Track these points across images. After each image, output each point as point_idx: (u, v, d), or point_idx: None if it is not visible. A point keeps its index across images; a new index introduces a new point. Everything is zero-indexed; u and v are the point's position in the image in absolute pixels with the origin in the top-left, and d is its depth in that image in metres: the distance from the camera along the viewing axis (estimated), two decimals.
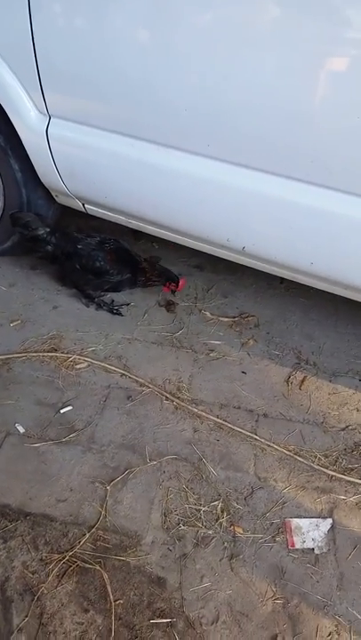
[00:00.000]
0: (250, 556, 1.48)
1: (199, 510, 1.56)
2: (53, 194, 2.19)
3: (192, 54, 1.51)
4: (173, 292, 2.24)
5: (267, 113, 1.48)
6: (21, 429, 1.74)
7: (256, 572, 1.45)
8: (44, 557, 1.43)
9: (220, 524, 1.54)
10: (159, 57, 1.55)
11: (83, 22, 1.65)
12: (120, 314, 2.25)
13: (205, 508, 1.57)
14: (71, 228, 2.22)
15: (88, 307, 2.26)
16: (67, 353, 2.03)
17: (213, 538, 1.51)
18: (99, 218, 2.23)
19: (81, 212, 2.24)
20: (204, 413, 1.85)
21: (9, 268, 2.45)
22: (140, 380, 1.95)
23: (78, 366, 1.99)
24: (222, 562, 1.47)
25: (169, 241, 2.12)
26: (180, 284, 2.17)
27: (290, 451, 1.75)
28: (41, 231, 2.14)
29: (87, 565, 1.42)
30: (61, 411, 1.81)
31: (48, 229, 2.15)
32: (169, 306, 2.30)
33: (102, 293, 2.26)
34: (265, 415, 1.87)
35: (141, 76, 1.62)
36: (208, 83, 1.53)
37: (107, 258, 2.14)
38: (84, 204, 2.15)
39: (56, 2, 1.64)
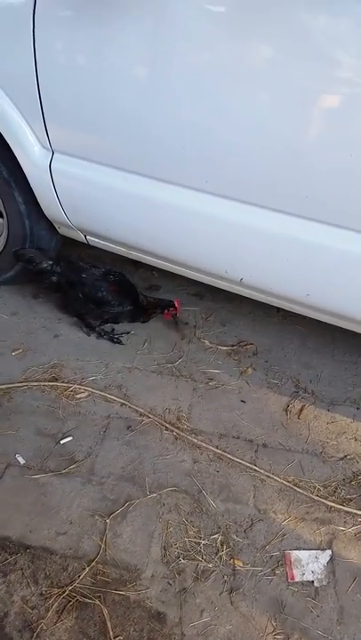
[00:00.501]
0: (250, 589, 1.48)
1: (199, 543, 1.56)
2: (56, 226, 2.23)
3: (187, 93, 1.56)
4: (175, 316, 2.27)
5: (261, 149, 1.53)
6: (22, 460, 1.75)
7: (256, 606, 1.44)
8: (43, 592, 1.43)
9: (220, 557, 1.54)
10: (155, 96, 1.61)
11: (83, 61, 1.71)
12: (120, 342, 2.27)
13: (205, 542, 1.57)
14: (74, 257, 2.26)
15: (89, 335, 2.29)
16: (67, 382, 2.05)
17: (213, 571, 1.51)
18: (99, 248, 2.27)
19: (83, 243, 2.28)
20: (203, 444, 1.86)
21: (11, 296, 2.48)
22: (140, 409, 1.97)
23: (79, 396, 2.00)
24: (222, 596, 1.46)
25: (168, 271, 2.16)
26: (176, 306, 2.22)
27: (289, 482, 1.76)
28: (45, 264, 2.18)
29: (87, 600, 1.42)
30: (62, 441, 1.82)
31: (51, 262, 2.19)
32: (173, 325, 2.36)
33: (102, 323, 2.29)
34: (264, 445, 1.88)
35: (139, 114, 1.67)
36: (203, 120, 1.57)
37: (109, 289, 2.17)
38: (85, 236, 2.19)
39: (59, 40, 1.70)
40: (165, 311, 2.25)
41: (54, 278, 2.21)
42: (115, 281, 2.21)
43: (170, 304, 2.24)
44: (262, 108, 1.48)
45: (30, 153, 1.95)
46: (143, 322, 2.30)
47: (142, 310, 2.25)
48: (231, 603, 1.44)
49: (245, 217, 1.66)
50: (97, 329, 2.28)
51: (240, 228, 1.69)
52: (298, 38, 1.35)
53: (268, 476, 1.77)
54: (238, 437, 1.90)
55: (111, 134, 1.78)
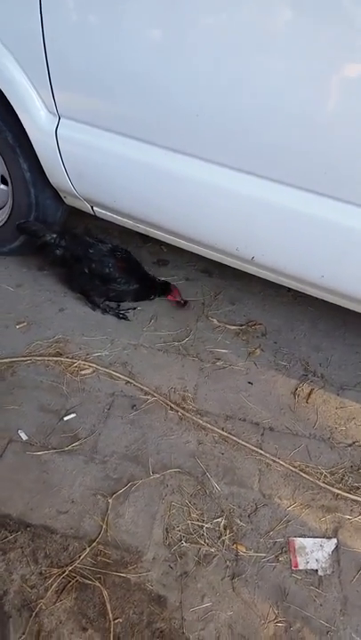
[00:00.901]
0: (252, 575, 1.46)
1: (202, 527, 1.54)
2: (62, 195, 2.15)
3: (204, 57, 1.45)
4: (183, 303, 2.23)
5: (279, 120, 1.43)
6: (24, 436, 1.71)
7: (258, 593, 1.42)
8: (43, 571, 1.41)
9: (223, 541, 1.51)
10: (171, 59, 1.50)
11: (94, 19, 1.59)
12: (126, 318, 2.21)
13: (208, 525, 1.54)
14: (80, 231, 2.19)
15: (94, 310, 2.23)
16: (72, 358, 2.00)
17: (215, 556, 1.48)
18: (107, 220, 2.19)
19: (90, 214, 2.20)
20: (208, 425, 1.82)
21: (17, 268, 2.42)
22: (145, 388, 1.92)
23: (83, 372, 1.96)
24: (224, 581, 1.44)
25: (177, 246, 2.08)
26: (172, 293, 2.20)
27: (295, 467, 1.72)
28: (49, 237, 2.11)
29: (87, 581, 1.40)
30: (65, 418, 1.78)
31: (55, 235, 2.12)
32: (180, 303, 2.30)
33: (107, 300, 2.23)
34: (271, 429, 1.84)
35: (152, 78, 1.57)
36: (220, 87, 1.47)
37: (117, 265, 2.10)
38: (92, 207, 2.11)
39: None
40: (169, 296, 2.20)
41: (58, 252, 2.14)
42: (122, 258, 2.14)
43: (167, 287, 2.20)
44: (282, 74, 1.37)
45: (36, 118, 1.85)
46: (144, 299, 2.24)
47: (148, 289, 2.18)
48: (233, 589, 1.42)
49: (261, 192, 1.57)
50: (102, 304, 2.22)
51: (255, 204, 1.60)
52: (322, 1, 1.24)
53: (274, 461, 1.73)
54: (244, 420, 1.86)
55: (122, 99, 1.68)
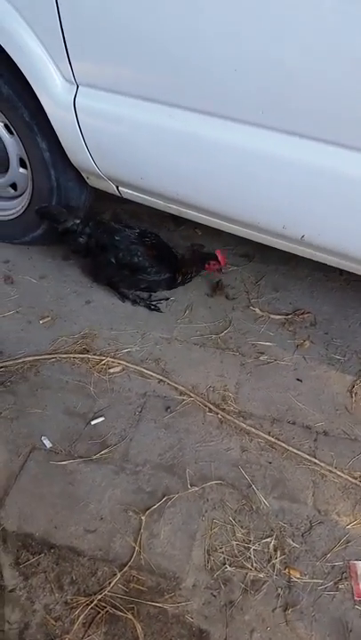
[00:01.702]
0: (308, 606, 1.27)
1: (248, 548, 1.36)
2: (84, 175, 1.96)
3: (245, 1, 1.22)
4: (220, 270, 1.99)
5: (338, 67, 1.18)
6: (48, 444, 1.56)
7: (316, 628, 1.24)
8: (69, 600, 1.27)
9: (273, 565, 1.33)
10: (204, 5, 1.27)
11: None
12: (158, 310, 2.02)
13: (256, 546, 1.36)
14: (106, 216, 2.00)
15: (123, 302, 2.04)
16: (99, 355, 1.83)
17: (265, 582, 1.31)
18: (136, 202, 1.99)
19: (116, 196, 2.01)
20: (253, 429, 1.61)
21: (40, 257, 2.26)
22: (181, 387, 1.73)
23: (112, 370, 1.79)
24: (275, 613, 1.26)
25: (214, 228, 1.86)
26: (219, 258, 1.92)
27: (355, 478, 1.50)
28: (71, 223, 1.93)
29: (118, 612, 1.25)
30: (92, 422, 1.62)
31: (78, 220, 1.93)
32: (217, 291, 2.08)
33: (138, 291, 2.04)
34: (325, 433, 1.62)
35: (183, 30, 1.34)
36: (262, 36, 1.24)
37: (147, 253, 1.90)
38: (117, 187, 1.91)
39: None
40: (206, 265, 1.95)
41: (82, 240, 1.95)
42: (152, 244, 1.93)
43: (209, 256, 1.94)
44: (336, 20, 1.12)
45: (51, 87, 1.66)
46: (182, 284, 2.01)
47: (179, 275, 1.96)
48: (286, 622, 1.25)
49: (314, 157, 1.33)
50: (131, 296, 2.03)
51: (306, 172, 1.36)
52: None
53: (330, 471, 1.53)
54: (294, 423, 1.65)
55: (148, 57, 1.45)
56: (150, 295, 2.08)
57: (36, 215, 1.98)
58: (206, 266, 1.94)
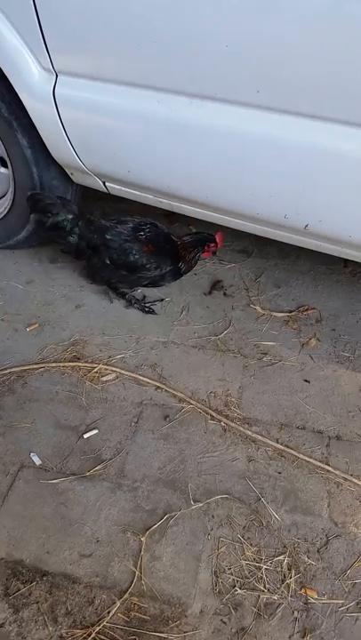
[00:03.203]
0: (329, 630, 1.17)
1: (260, 568, 1.25)
2: (68, 172, 1.85)
3: None
4: (215, 252, 1.89)
5: (342, 34, 1.08)
6: (38, 460, 1.45)
7: None
8: (64, 634, 1.16)
9: (288, 585, 1.23)
10: None
11: None
12: (153, 312, 1.91)
13: (268, 565, 1.26)
14: (96, 215, 1.89)
15: (111, 302, 1.92)
16: (91, 362, 1.72)
17: (280, 605, 1.19)
18: (126, 200, 1.88)
19: (104, 193, 1.89)
20: (260, 437, 1.50)
21: (26, 261, 2.15)
22: (179, 394, 1.62)
23: (105, 378, 1.67)
24: (293, 639, 1.13)
25: (209, 222, 1.76)
26: (217, 239, 1.82)
27: None
28: (62, 217, 1.81)
29: None
30: (85, 436, 1.52)
31: (71, 216, 1.81)
32: (215, 289, 1.97)
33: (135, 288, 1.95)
34: (338, 437, 1.51)
35: (166, 3, 1.24)
36: (255, 3, 1.13)
37: (143, 250, 1.79)
38: (104, 183, 1.80)
39: None
40: (206, 247, 1.85)
41: (72, 239, 1.83)
42: (147, 238, 1.81)
43: (209, 238, 1.84)
44: None
45: (28, 78, 1.57)
46: (187, 271, 1.90)
47: (182, 261, 1.85)
48: None
49: (317, 138, 1.22)
50: (127, 296, 1.91)
51: (309, 155, 1.26)
52: None
53: (346, 479, 1.42)
54: (304, 428, 1.54)
55: (131, 38, 1.35)
56: (144, 297, 1.96)
57: (27, 201, 1.85)
58: (206, 247, 1.84)
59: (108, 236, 1.80)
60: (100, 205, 2.36)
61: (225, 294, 1.99)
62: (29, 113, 1.65)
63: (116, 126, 1.54)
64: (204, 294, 2.00)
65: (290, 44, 1.15)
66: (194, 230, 2.28)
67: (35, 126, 1.70)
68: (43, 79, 1.56)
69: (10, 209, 1.99)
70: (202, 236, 1.85)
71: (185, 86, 1.35)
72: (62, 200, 1.85)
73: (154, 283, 1.89)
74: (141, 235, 1.81)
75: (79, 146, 1.65)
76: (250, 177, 1.40)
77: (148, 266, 1.81)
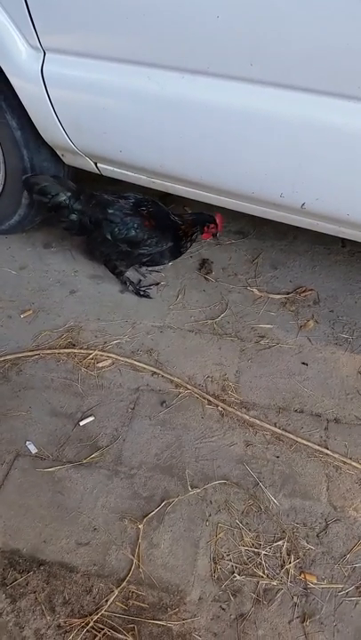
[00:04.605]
0: (328, 615, 1.16)
1: (258, 554, 1.24)
2: (59, 153, 1.80)
3: None
4: (216, 235, 1.85)
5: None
6: (33, 449, 1.43)
7: None
8: (62, 623, 1.15)
9: (287, 571, 1.22)
10: None
11: None
12: (148, 296, 1.88)
13: (266, 551, 1.25)
14: (98, 191, 1.84)
15: (123, 293, 1.89)
16: (87, 348, 1.69)
17: (279, 591, 1.18)
18: (119, 182, 1.83)
19: (96, 174, 1.85)
20: (257, 421, 1.48)
21: (19, 246, 2.10)
22: (176, 379, 1.60)
23: (100, 364, 1.65)
24: (292, 625, 1.15)
25: (204, 203, 1.72)
26: (218, 221, 1.79)
27: None
28: (62, 197, 1.77)
29: (117, 634, 1.12)
30: (81, 423, 1.50)
31: (70, 194, 1.78)
32: (211, 272, 1.95)
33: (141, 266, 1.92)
34: (336, 420, 1.49)
35: None
36: None
37: (144, 224, 1.75)
38: (96, 163, 1.75)
39: None
40: (205, 229, 1.81)
41: (74, 216, 1.80)
42: (149, 213, 1.78)
43: (210, 219, 1.80)
44: None
45: (15, 56, 1.52)
46: (186, 250, 1.87)
47: (182, 239, 1.82)
48: (305, 635, 1.12)
49: (314, 112, 1.18)
50: (121, 277, 1.89)
51: (306, 130, 1.22)
52: None
53: (345, 462, 1.40)
54: (302, 411, 1.52)
55: (120, 11, 1.30)
56: (140, 280, 1.93)
57: (24, 186, 1.82)
58: (205, 228, 1.81)
59: (110, 210, 1.76)
60: (92, 188, 2.30)
61: (221, 277, 1.95)
62: (18, 93, 1.60)
63: (106, 104, 1.49)
64: (201, 277, 1.96)
65: (284, 13, 1.10)
66: (190, 211, 2.23)
67: (24, 107, 1.65)
68: (30, 57, 1.51)
69: (1, 193, 1.94)
70: (202, 217, 1.82)
71: (175, 61, 1.30)
72: (58, 179, 1.82)
73: (154, 260, 1.86)
74: (143, 210, 1.78)
75: (69, 125, 1.60)
76: (244, 154, 1.36)
77: (148, 241, 1.77)
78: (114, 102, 1.47)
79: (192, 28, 1.21)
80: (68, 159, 1.81)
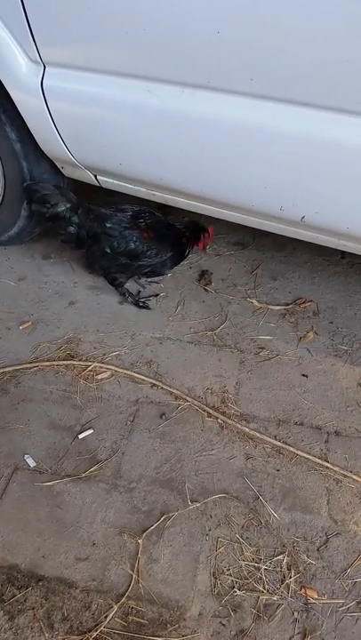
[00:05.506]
0: (329, 631, 1.14)
1: (259, 568, 1.23)
2: (59, 165, 1.80)
3: None
4: (205, 248, 1.89)
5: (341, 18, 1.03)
6: (32, 462, 1.41)
7: None
8: None
9: (288, 586, 1.20)
10: None
11: None
12: (147, 307, 1.87)
13: (267, 566, 1.23)
14: (95, 203, 1.85)
15: (122, 304, 1.89)
16: (86, 360, 1.69)
17: (279, 606, 1.17)
18: (118, 194, 1.83)
19: (96, 186, 1.85)
20: (257, 433, 1.47)
21: (18, 258, 2.10)
22: (176, 391, 1.59)
23: (100, 376, 1.64)
24: None
25: (203, 215, 1.72)
26: (209, 231, 1.84)
27: None
28: (62, 207, 1.77)
29: None
30: (80, 436, 1.48)
31: (69, 205, 1.78)
32: (211, 283, 1.97)
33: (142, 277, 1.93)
34: (337, 433, 1.48)
35: None
36: None
37: (142, 237, 1.76)
38: (95, 176, 1.75)
39: None
40: (201, 236, 1.85)
41: (72, 229, 1.80)
42: (147, 225, 1.79)
43: (204, 228, 1.84)
44: None
45: (15, 70, 1.52)
46: (187, 255, 1.90)
47: (187, 245, 1.84)
48: None
49: (313, 127, 1.18)
50: (120, 288, 1.88)
51: (306, 144, 1.22)
52: None
53: (345, 475, 1.39)
54: (302, 424, 1.51)
55: (121, 26, 1.30)
56: (139, 292, 1.93)
57: (24, 193, 1.81)
58: (201, 237, 1.83)
59: (107, 224, 1.76)
60: (91, 199, 2.31)
61: (221, 288, 1.95)
62: (17, 106, 1.60)
63: (106, 117, 1.49)
64: (200, 288, 1.96)
65: (285, 29, 1.11)
66: (186, 219, 2.24)
67: (23, 119, 1.65)
68: (30, 71, 1.51)
69: (0, 205, 1.95)
70: (199, 226, 1.84)
71: (176, 75, 1.30)
72: (59, 189, 1.82)
73: (154, 271, 1.86)
74: (141, 222, 1.78)
75: (69, 138, 1.60)
76: (244, 168, 1.36)
77: (148, 252, 1.78)
78: (114, 116, 1.48)
79: (193, 43, 1.22)
80: (68, 171, 1.81)
